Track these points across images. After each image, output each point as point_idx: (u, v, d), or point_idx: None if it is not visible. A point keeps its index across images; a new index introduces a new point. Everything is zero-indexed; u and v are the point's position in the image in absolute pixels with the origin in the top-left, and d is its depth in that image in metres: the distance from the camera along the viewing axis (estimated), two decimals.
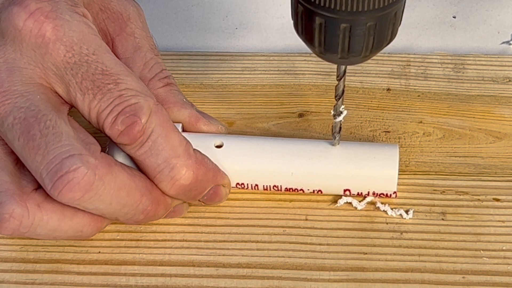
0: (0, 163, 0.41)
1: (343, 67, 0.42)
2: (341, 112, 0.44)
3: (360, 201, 0.46)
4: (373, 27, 0.37)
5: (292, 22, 0.39)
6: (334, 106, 0.44)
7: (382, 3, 0.36)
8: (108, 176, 0.40)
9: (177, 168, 0.42)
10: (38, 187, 0.41)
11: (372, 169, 0.44)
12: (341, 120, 0.44)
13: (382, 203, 0.45)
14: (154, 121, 0.41)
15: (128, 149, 0.41)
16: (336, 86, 0.43)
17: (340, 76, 0.42)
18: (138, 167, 0.42)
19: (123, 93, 0.40)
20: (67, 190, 0.38)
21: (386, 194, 0.45)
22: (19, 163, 0.41)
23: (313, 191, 0.46)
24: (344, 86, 0.43)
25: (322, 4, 0.36)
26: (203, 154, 0.44)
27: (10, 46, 0.41)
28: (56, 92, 0.42)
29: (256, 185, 0.46)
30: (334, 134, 0.45)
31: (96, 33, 0.42)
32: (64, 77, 0.41)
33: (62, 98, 0.42)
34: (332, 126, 0.44)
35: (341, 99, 0.43)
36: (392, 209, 0.45)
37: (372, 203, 0.46)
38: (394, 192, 0.45)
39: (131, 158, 0.42)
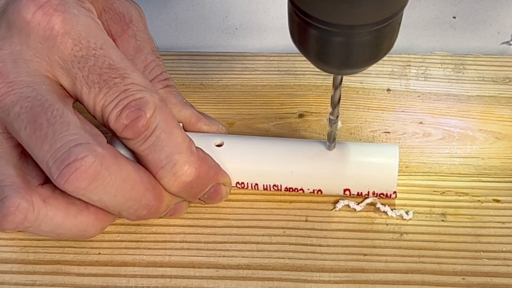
0: (6, 157, 0.41)
1: (339, 76, 0.42)
2: (337, 120, 0.44)
3: (358, 203, 0.46)
4: (368, 41, 0.36)
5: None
6: (330, 114, 0.44)
7: (378, 18, 0.35)
8: (114, 167, 0.40)
9: (179, 164, 0.42)
10: (44, 182, 0.41)
11: (372, 169, 0.45)
12: (336, 128, 0.44)
13: (382, 204, 0.45)
14: (158, 117, 0.41)
15: (131, 143, 0.41)
16: (332, 95, 0.43)
17: (336, 85, 0.42)
18: (140, 163, 0.42)
19: (129, 88, 0.40)
20: (74, 178, 0.38)
21: (386, 194, 0.45)
22: (22, 158, 0.41)
23: (313, 191, 0.46)
24: (340, 95, 0.43)
25: (318, 17, 0.36)
26: (205, 152, 0.44)
27: (16, 38, 0.41)
28: (61, 85, 0.42)
29: (256, 184, 0.46)
30: (329, 141, 0.45)
31: (102, 28, 0.42)
32: (70, 71, 0.41)
33: (67, 92, 0.42)
34: (328, 133, 0.44)
35: (336, 108, 0.43)
36: (392, 210, 0.45)
37: (372, 204, 0.46)
38: (394, 192, 0.45)
39: (134, 154, 0.42)
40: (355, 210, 0.45)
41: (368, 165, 0.45)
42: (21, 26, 0.41)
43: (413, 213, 0.45)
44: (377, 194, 0.45)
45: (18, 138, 0.40)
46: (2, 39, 0.41)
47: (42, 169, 0.40)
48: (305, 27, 0.37)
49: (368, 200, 0.46)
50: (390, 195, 0.45)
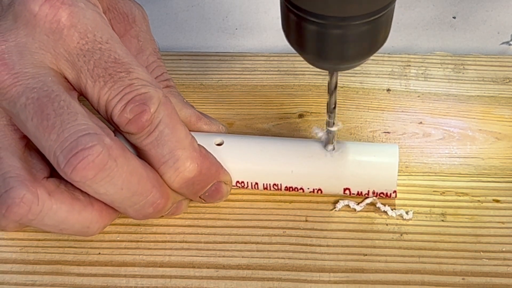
0: (11, 149, 0.41)
1: (334, 81, 0.42)
2: (333, 124, 0.44)
3: (358, 203, 0.46)
4: (362, 33, 0.36)
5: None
6: (327, 119, 0.44)
7: (371, 9, 0.35)
8: (121, 159, 0.40)
9: (182, 159, 0.42)
10: (48, 176, 0.41)
11: (372, 168, 0.45)
12: (335, 131, 0.44)
13: (382, 203, 0.45)
14: (162, 112, 0.41)
15: (134, 138, 0.41)
16: (327, 102, 0.43)
17: (331, 91, 0.42)
18: (142, 159, 0.42)
19: (134, 82, 0.41)
20: (81, 167, 0.38)
21: (386, 194, 0.45)
22: (27, 151, 0.42)
23: (313, 190, 0.46)
24: (335, 101, 0.43)
25: (311, 10, 0.36)
26: (207, 150, 0.44)
27: (22, 31, 0.41)
28: (66, 79, 0.42)
29: (256, 183, 0.46)
30: (327, 145, 0.45)
31: (108, 23, 0.42)
32: (76, 64, 0.41)
33: (71, 85, 0.42)
34: (325, 137, 0.44)
35: (333, 114, 0.43)
36: (392, 209, 0.45)
37: (372, 204, 0.46)
38: (394, 191, 0.45)
39: (136, 150, 0.42)
40: (355, 210, 0.45)
41: (368, 164, 0.45)
42: (27, 18, 0.41)
43: (413, 213, 0.45)
44: (377, 193, 0.45)
45: (24, 129, 0.41)
46: (8, 31, 0.41)
47: (48, 161, 0.40)
48: (299, 22, 0.37)
49: (368, 200, 0.46)
50: (390, 194, 0.45)
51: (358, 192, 0.45)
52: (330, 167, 0.45)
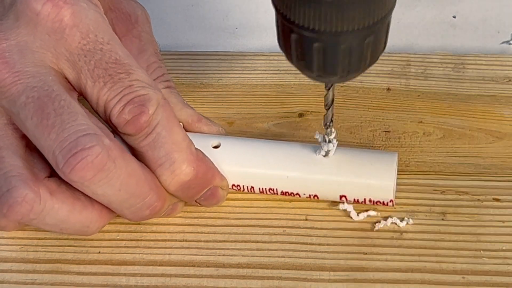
0: (12, 148, 0.41)
1: (331, 95, 0.42)
2: (330, 141, 0.44)
3: (358, 214, 0.45)
4: (354, 48, 0.36)
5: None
6: (324, 135, 0.44)
7: (363, 24, 0.35)
8: (120, 160, 0.40)
9: (178, 162, 0.42)
10: (49, 176, 0.41)
11: (369, 177, 0.44)
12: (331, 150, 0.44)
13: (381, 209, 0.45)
14: (160, 114, 0.41)
15: (132, 140, 0.41)
16: (324, 115, 0.43)
17: (328, 106, 0.42)
18: (139, 160, 0.42)
19: (133, 84, 0.41)
20: (80, 167, 0.38)
21: (383, 202, 0.45)
22: (28, 151, 0.41)
23: (309, 196, 0.45)
24: (332, 115, 0.42)
25: (303, 24, 0.36)
26: (205, 154, 0.44)
27: (23, 29, 0.41)
28: (66, 78, 0.42)
29: (252, 187, 0.46)
30: (322, 145, 0.44)
31: (108, 24, 0.43)
32: (76, 64, 0.41)
33: (71, 85, 0.42)
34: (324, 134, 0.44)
35: (329, 129, 0.43)
36: (386, 218, 0.45)
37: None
38: (391, 201, 0.44)
39: (133, 151, 0.42)
40: (352, 218, 0.45)
41: (365, 172, 0.44)
42: (29, 17, 0.41)
43: (413, 212, 0.45)
44: (373, 201, 0.45)
45: (24, 128, 0.40)
46: (10, 30, 0.41)
47: (48, 160, 0.40)
48: (286, 30, 0.37)
49: (369, 213, 0.45)
50: (387, 203, 0.45)
51: (354, 199, 0.45)
52: (326, 174, 0.44)
